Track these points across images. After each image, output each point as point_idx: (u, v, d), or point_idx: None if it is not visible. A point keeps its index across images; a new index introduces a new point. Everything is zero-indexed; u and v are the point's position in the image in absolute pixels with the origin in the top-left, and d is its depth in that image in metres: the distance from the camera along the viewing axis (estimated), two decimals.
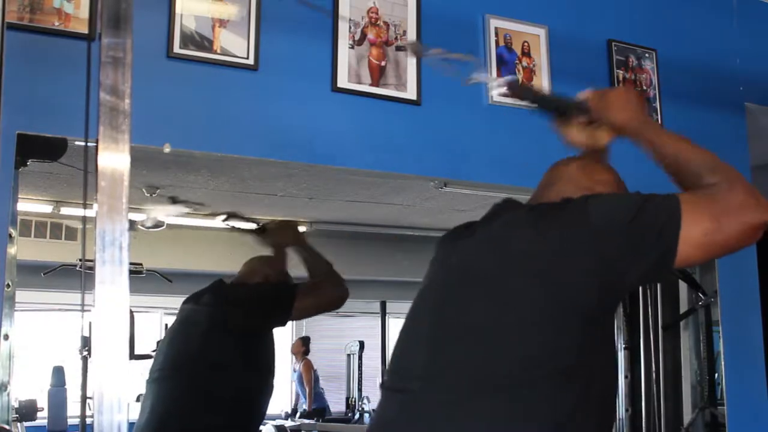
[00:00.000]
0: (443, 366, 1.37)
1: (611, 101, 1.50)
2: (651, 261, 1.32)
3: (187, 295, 2.75)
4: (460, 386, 1.33)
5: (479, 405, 1.30)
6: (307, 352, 7.47)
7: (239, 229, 2.96)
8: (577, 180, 1.52)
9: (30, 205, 3.30)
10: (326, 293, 2.82)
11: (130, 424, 1.25)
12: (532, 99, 1.57)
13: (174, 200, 2.85)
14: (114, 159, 1.08)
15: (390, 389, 1.48)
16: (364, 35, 2.20)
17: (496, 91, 1.55)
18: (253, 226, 2.92)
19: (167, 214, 2.89)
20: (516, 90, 1.59)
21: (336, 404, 7.46)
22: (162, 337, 2.70)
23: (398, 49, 2.23)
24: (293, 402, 7.53)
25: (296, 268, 2.95)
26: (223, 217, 2.93)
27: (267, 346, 2.66)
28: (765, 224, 1.31)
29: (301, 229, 3.22)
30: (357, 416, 6.71)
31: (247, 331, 2.58)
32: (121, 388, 1.04)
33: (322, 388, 7.52)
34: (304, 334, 7.87)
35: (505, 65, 2.39)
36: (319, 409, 6.94)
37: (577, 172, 1.54)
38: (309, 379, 7.25)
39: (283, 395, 7.82)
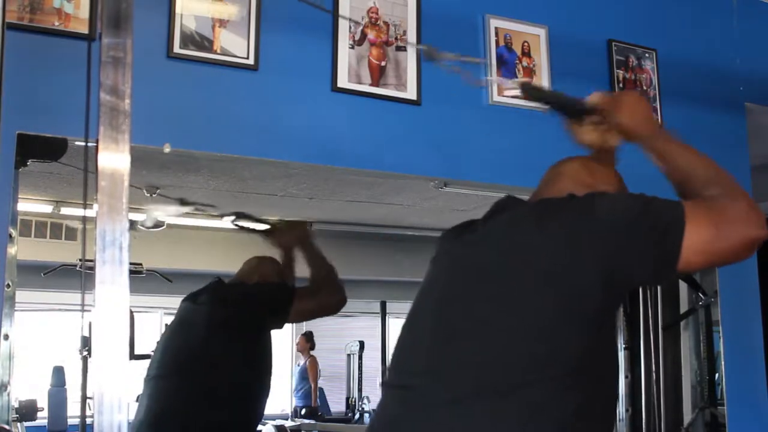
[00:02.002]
0: (446, 363, 1.36)
1: (623, 106, 1.51)
2: (653, 262, 1.32)
3: (186, 295, 2.74)
4: (463, 385, 1.33)
5: (482, 405, 1.30)
6: (311, 347, 7.48)
7: (248, 229, 2.92)
8: (579, 177, 1.52)
9: (30, 205, 3.30)
10: (324, 298, 2.81)
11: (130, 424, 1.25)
12: (544, 100, 1.58)
13: (183, 202, 2.84)
14: (114, 159, 1.08)
15: (391, 386, 1.47)
16: (364, 35, 2.20)
17: (509, 92, 1.56)
18: (262, 226, 2.90)
19: (174, 214, 2.87)
20: (528, 91, 1.59)
21: (336, 404, 7.46)
22: (160, 336, 2.69)
23: (398, 49, 2.23)
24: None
25: (300, 269, 2.95)
26: (232, 217, 2.91)
27: (264, 346, 2.66)
28: (762, 239, 1.33)
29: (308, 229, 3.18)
30: (357, 416, 6.70)
31: (245, 331, 2.58)
32: (121, 388, 1.04)
33: (321, 388, 7.52)
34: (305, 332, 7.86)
35: (505, 65, 2.39)
36: (313, 408, 6.92)
37: (579, 169, 1.55)
38: (314, 376, 7.23)
39: (283, 394, 7.81)
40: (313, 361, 7.39)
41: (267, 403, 2.72)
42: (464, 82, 1.59)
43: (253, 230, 2.91)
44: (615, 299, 1.42)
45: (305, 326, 7.98)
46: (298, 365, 7.49)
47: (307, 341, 7.48)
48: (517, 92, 1.60)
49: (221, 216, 2.91)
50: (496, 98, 2.35)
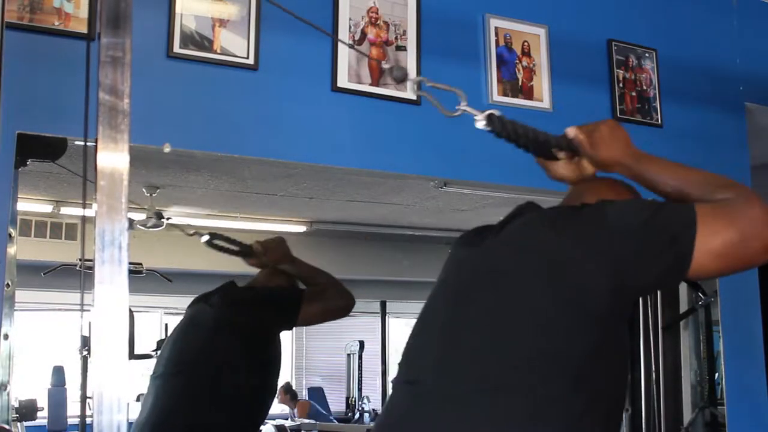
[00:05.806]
0: (456, 360, 1.37)
1: (600, 140, 1.46)
2: (664, 266, 1.32)
3: (196, 296, 2.75)
4: (473, 382, 1.34)
5: (491, 402, 1.31)
6: (294, 396, 7.30)
7: (224, 249, 2.80)
8: (603, 195, 1.50)
9: (30, 204, 3.30)
10: (333, 300, 2.80)
11: (129, 424, 1.25)
12: (513, 136, 1.48)
13: (211, 242, 2.77)
14: (113, 159, 1.08)
15: (401, 382, 1.48)
16: (364, 35, 2.20)
17: (479, 124, 1.46)
18: (234, 247, 2.78)
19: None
20: (495, 124, 1.47)
21: (336, 404, 7.46)
22: (167, 336, 2.68)
23: (398, 48, 2.23)
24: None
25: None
26: (206, 238, 2.80)
27: (272, 348, 2.68)
28: None
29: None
30: (357, 416, 6.70)
31: (253, 332, 2.60)
32: (121, 388, 1.04)
33: (331, 415, 7.31)
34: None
35: (505, 65, 2.40)
36: None
37: (604, 189, 1.54)
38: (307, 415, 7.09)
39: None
40: (302, 408, 7.15)
41: (271, 405, 2.73)
42: (449, 113, 1.53)
43: (230, 250, 2.79)
44: (624, 303, 1.41)
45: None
46: (292, 419, 7.18)
47: (286, 392, 7.23)
48: (484, 124, 1.47)
49: (194, 235, 2.81)
50: (496, 98, 2.35)
